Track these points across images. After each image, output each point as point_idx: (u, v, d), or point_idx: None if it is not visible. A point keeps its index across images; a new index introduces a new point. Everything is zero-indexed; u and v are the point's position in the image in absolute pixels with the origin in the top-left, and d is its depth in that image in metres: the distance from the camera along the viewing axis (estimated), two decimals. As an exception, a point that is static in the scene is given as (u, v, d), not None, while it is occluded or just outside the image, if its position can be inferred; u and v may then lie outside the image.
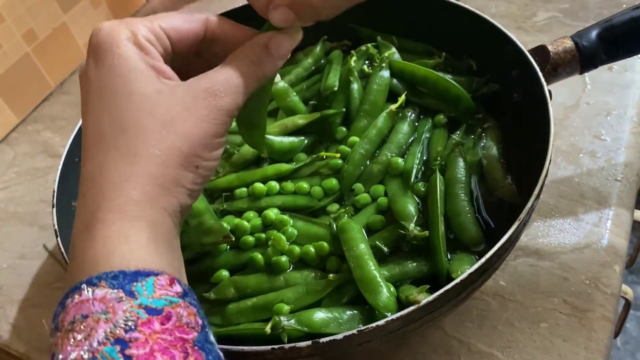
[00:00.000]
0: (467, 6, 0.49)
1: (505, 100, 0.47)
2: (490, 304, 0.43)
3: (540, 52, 0.44)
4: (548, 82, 0.43)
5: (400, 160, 0.45)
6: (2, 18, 0.62)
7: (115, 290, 0.24)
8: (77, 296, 0.24)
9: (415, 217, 0.41)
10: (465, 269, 0.33)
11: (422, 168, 0.46)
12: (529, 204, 0.35)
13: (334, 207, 0.45)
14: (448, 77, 0.48)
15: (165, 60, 0.30)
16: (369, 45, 0.53)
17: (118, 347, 0.22)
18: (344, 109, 0.50)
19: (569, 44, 0.44)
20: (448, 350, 0.41)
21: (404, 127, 0.48)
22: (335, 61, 0.54)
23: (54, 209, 0.43)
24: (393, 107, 0.48)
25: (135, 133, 0.27)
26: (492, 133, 0.46)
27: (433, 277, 0.39)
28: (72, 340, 0.23)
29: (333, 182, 0.45)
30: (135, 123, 0.27)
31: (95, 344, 0.22)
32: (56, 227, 0.42)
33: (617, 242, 0.46)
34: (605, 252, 0.45)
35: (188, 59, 0.33)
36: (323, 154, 0.47)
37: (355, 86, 0.50)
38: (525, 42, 0.45)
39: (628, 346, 1.17)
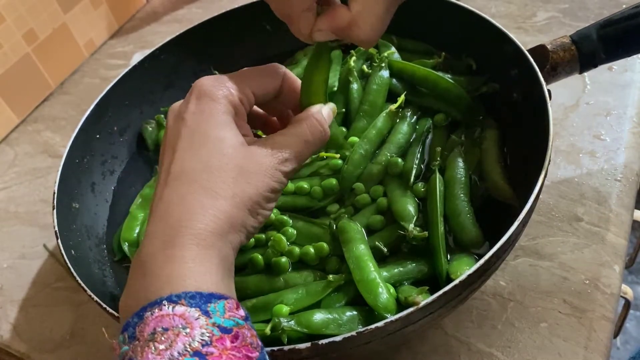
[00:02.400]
0: (466, 6, 0.49)
1: (505, 100, 0.47)
2: (490, 304, 0.43)
3: (539, 51, 0.44)
4: (547, 82, 0.43)
5: (400, 160, 0.45)
6: (2, 18, 0.62)
7: (194, 309, 0.26)
8: (157, 310, 0.26)
9: (414, 218, 0.41)
10: (464, 270, 0.33)
11: (422, 168, 0.46)
12: (528, 205, 0.35)
13: (334, 207, 0.45)
14: (448, 76, 0.48)
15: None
16: None
17: (196, 359, 0.25)
18: (344, 109, 0.50)
19: (569, 43, 0.44)
20: (448, 350, 0.41)
21: (404, 127, 0.48)
22: (334, 61, 0.54)
23: (55, 210, 0.43)
24: (392, 107, 0.48)
25: (218, 174, 0.31)
26: (492, 133, 0.46)
27: (433, 278, 0.39)
28: (153, 349, 0.25)
29: (333, 182, 0.45)
30: (219, 166, 0.31)
31: (176, 354, 0.25)
32: (56, 228, 0.42)
33: (617, 242, 0.46)
34: (605, 252, 0.45)
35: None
36: (323, 154, 0.47)
37: (354, 86, 0.50)
38: (525, 42, 0.45)
39: (628, 346, 1.17)
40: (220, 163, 0.31)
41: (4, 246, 0.56)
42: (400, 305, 0.36)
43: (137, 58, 0.67)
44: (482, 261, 0.33)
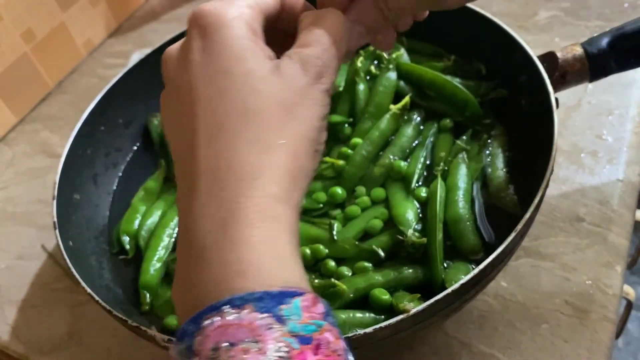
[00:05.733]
0: (478, 9, 0.49)
1: (513, 106, 0.47)
2: (491, 305, 0.43)
3: (549, 58, 0.44)
4: (556, 90, 0.42)
5: (403, 163, 0.45)
6: (0, 17, 0.62)
7: (265, 315, 0.21)
8: (217, 318, 0.21)
9: (414, 223, 0.41)
10: (459, 278, 0.33)
11: (425, 173, 0.45)
12: (527, 216, 0.34)
13: (335, 211, 0.44)
14: (456, 80, 0.48)
15: None
16: None
17: None
18: (351, 119, 0.49)
19: (579, 51, 0.43)
20: (449, 351, 0.41)
21: (409, 130, 0.47)
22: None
23: (55, 200, 0.43)
24: (395, 107, 0.47)
25: (261, 119, 0.25)
26: (498, 140, 0.46)
27: (429, 284, 0.39)
28: None
29: (338, 190, 0.44)
30: (259, 107, 0.25)
31: None
32: (55, 218, 0.42)
33: (619, 243, 0.45)
34: (607, 252, 0.45)
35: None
36: (327, 159, 0.46)
37: (361, 87, 0.50)
38: (526, 41, 0.45)
39: (630, 347, 1.16)
40: (260, 104, 0.25)
41: (2, 247, 0.55)
42: (393, 311, 0.36)
43: (136, 57, 0.66)
44: (476, 271, 0.32)
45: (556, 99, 0.41)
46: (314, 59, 0.27)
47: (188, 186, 0.25)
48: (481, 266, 0.32)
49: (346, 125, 0.49)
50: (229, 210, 0.23)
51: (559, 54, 0.43)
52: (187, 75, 0.27)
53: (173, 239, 0.46)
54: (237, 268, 0.22)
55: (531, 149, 0.42)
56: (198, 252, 0.23)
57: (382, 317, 0.37)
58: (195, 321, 0.21)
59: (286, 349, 0.20)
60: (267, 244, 0.23)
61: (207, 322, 0.21)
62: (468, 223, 0.40)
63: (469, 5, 0.50)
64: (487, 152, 0.45)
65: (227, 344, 0.20)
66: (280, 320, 0.21)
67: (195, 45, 0.26)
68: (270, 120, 0.25)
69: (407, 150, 0.46)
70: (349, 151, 0.46)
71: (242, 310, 0.21)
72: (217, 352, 0.20)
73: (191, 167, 0.25)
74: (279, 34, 0.31)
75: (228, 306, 0.21)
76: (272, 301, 0.21)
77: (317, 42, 0.28)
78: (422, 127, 0.48)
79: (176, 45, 0.28)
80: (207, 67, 0.26)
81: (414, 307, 0.32)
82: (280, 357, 0.20)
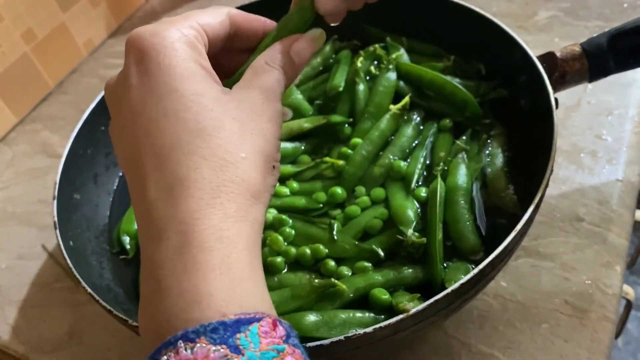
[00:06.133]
0: (478, 9, 0.49)
1: (512, 106, 0.47)
2: (491, 305, 0.43)
3: (548, 58, 0.44)
4: (555, 90, 0.42)
5: (402, 163, 0.45)
6: (0, 17, 0.62)
7: (218, 347, 0.20)
8: (172, 354, 0.20)
9: (414, 223, 0.41)
10: (459, 278, 0.33)
11: (424, 173, 0.45)
12: (527, 216, 0.34)
13: (335, 211, 0.44)
14: (456, 80, 0.48)
15: None
16: (377, 45, 0.53)
17: None
18: (351, 119, 0.49)
19: (579, 51, 0.43)
20: (449, 351, 0.41)
21: (409, 130, 0.47)
22: (342, 61, 0.53)
23: (55, 200, 0.43)
24: (395, 107, 0.47)
25: (216, 135, 0.24)
26: (498, 140, 0.46)
27: (429, 284, 0.39)
28: None
29: (338, 190, 0.45)
30: (212, 124, 0.24)
31: None
32: (56, 218, 0.42)
33: (618, 243, 0.45)
34: (606, 252, 0.45)
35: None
36: (327, 159, 0.46)
37: (361, 87, 0.50)
38: (526, 42, 0.45)
39: (629, 347, 1.16)
40: (213, 121, 0.25)
41: (2, 247, 0.56)
42: (393, 311, 0.36)
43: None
44: (475, 271, 0.32)
45: (556, 99, 0.41)
46: (264, 84, 0.28)
47: (145, 211, 0.24)
48: (481, 266, 0.32)
49: (346, 125, 0.49)
50: (185, 233, 0.23)
51: (558, 54, 0.43)
52: (128, 101, 0.26)
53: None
54: (192, 298, 0.21)
55: (531, 149, 0.42)
56: (156, 281, 0.23)
57: (382, 317, 0.37)
58: (154, 358, 0.21)
59: None
60: (223, 267, 0.22)
61: (164, 358, 0.20)
62: (468, 223, 0.40)
63: (469, 5, 0.50)
64: (487, 152, 0.45)
65: None
66: (237, 350, 0.20)
67: (134, 70, 0.26)
68: (227, 136, 0.25)
69: (407, 150, 0.46)
70: (349, 151, 0.46)
71: (196, 344, 0.20)
72: None
73: (144, 192, 0.25)
74: (233, 54, 0.32)
75: (181, 341, 0.20)
76: (227, 331, 0.20)
77: (264, 73, 0.28)
78: (421, 127, 0.48)
79: (115, 76, 0.28)
80: (149, 90, 0.25)
81: (414, 307, 0.32)
82: None
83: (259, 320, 0.21)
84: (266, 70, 0.28)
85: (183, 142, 0.24)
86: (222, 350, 0.20)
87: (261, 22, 0.32)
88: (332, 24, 0.32)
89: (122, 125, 0.27)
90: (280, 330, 0.22)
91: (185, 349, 0.20)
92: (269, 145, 0.26)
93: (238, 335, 0.20)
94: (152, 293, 0.23)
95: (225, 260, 0.22)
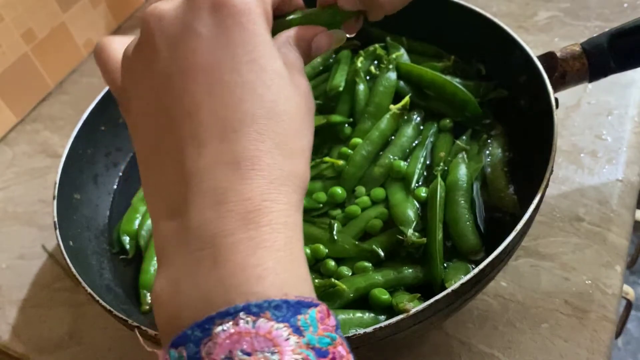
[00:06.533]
0: (478, 9, 0.49)
1: (512, 106, 0.47)
2: (491, 305, 0.43)
3: (548, 58, 0.44)
4: (556, 90, 0.42)
5: (402, 163, 0.45)
6: (0, 17, 0.62)
7: (282, 325, 0.19)
8: (230, 324, 0.19)
9: (414, 223, 0.41)
10: (459, 278, 0.33)
11: (424, 173, 0.45)
12: (527, 216, 0.34)
13: (335, 211, 0.44)
14: (456, 80, 0.48)
15: None
16: (377, 45, 0.53)
17: None
18: (351, 119, 0.49)
19: (578, 51, 0.43)
20: (449, 351, 0.41)
21: (409, 130, 0.47)
22: (342, 61, 0.53)
23: (55, 200, 0.43)
24: (395, 107, 0.47)
25: (287, 124, 0.23)
26: (498, 140, 0.46)
27: (429, 284, 0.39)
28: None
29: (338, 190, 0.44)
30: (287, 111, 0.23)
31: None
32: (56, 218, 0.42)
33: (619, 243, 0.45)
34: (606, 252, 0.45)
35: None
36: (327, 159, 0.46)
37: (361, 87, 0.50)
38: (526, 42, 0.45)
39: (629, 347, 1.16)
40: (288, 108, 0.24)
41: (3, 247, 0.56)
42: (393, 311, 0.36)
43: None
44: (476, 271, 0.32)
45: (556, 99, 0.41)
46: (295, 60, 0.27)
47: (181, 182, 0.23)
48: (481, 266, 0.32)
49: (346, 125, 0.49)
50: (252, 212, 0.22)
51: (558, 54, 0.43)
52: (194, 52, 0.23)
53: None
54: (257, 272, 0.21)
55: (531, 149, 0.42)
56: (209, 252, 0.21)
57: (382, 317, 0.37)
58: (203, 326, 0.20)
59: None
60: (286, 251, 0.22)
61: (219, 328, 0.19)
62: (468, 223, 0.40)
63: (469, 5, 0.50)
64: (487, 152, 0.45)
65: (242, 353, 0.19)
66: (298, 331, 0.20)
67: (208, 18, 0.23)
68: (294, 127, 0.24)
69: (407, 150, 0.46)
70: (349, 151, 0.46)
71: (259, 319, 0.19)
72: None
73: (189, 161, 0.23)
74: None
75: (243, 312, 0.20)
76: (290, 310, 0.20)
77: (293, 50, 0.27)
78: (422, 127, 0.48)
79: (171, 4, 0.24)
80: (225, 49, 0.23)
81: (414, 307, 0.32)
82: None
83: (316, 305, 0.21)
84: (287, 46, 0.27)
85: (257, 120, 0.23)
86: (284, 328, 0.19)
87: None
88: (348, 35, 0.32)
89: (164, 71, 0.24)
90: (332, 320, 0.21)
91: (247, 322, 0.19)
92: (312, 141, 0.26)
93: (299, 317, 0.20)
94: (195, 263, 0.21)
95: (289, 243, 0.22)
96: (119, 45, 0.28)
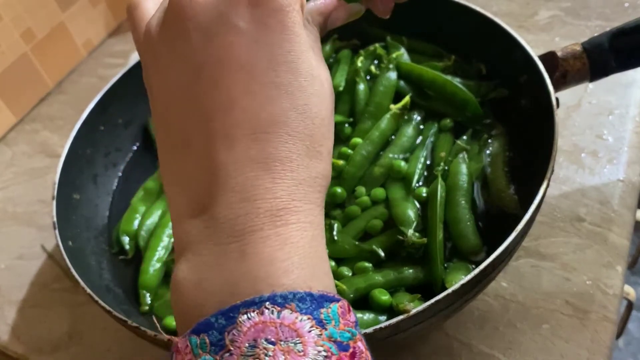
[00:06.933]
0: (478, 9, 0.49)
1: (513, 106, 0.47)
2: (491, 305, 0.43)
3: (549, 58, 0.44)
4: (557, 89, 0.42)
5: (403, 163, 0.45)
6: (0, 17, 0.62)
7: (305, 317, 0.20)
8: (256, 314, 0.20)
9: (414, 223, 0.40)
10: (459, 279, 0.33)
11: (425, 173, 0.45)
12: (527, 216, 0.34)
13: (335, 211, 0.44)
14: (457, 80, 0.48)
15: None
16: (377, 45, 0.52)
17: None
18: (351, 119, 0.49)
19: (579, 51, 0.43)
20: (449, 352, 0.41)
21: (409, 130, 0.47)
22: (343, 61, 0.53)
23: (54, 200, 0.43)
24: (395, 107, 0.47)
25: (319, 128, 0.24)
26: (498, 140, 0.46)
27: (430, 284, 0.38)
28: None
29: (338, 190, 0.44)
30: (318, 114, 0.24)
31: None
32: (55, 218, 0.42)
33: (619, 243, 0.45)
34: (607, 252, 0.45)
35: None
36: None
37: (361, 87, 0.50)
38: (527, 41, 0.45)
39: (630, 347, 1.16)
40: (319, 111, 0.24)
41: (2, 247, 0.55)
42: (393, 311, 0.36)
43: (136, 57, 0.66)
44: (476, 271, 0.32)
45: (556, 99, 0.41)
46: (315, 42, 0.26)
47: (209, 176, 0.23)
48: (481, 266, 0.32)
49: (346, 125, 0.49)
50: (281, 210, 0.22)
51: (559, 54, 0.43)
52: (230, 46, 0.23)
53: (173, 239, 0.46)
54: (283, 266, 0.21)
55: (531, 149, 0.42)
56: (237, 246, 0.22)
57: (383, 317, 0.37)
58: (228, 314, 0.20)
59: (325, 354, 0.19)
60: (312, 248, 0.22)
61: (244, 317, 0.20)
62: (468, 223, 0.40)
63: (470, 4, 0.50)
64: (487, 152, 0.45)
65: (266, 342, 0.19)
66: (321, 323, 0.20)
67: (247, 12, 0.23)
68: (324, 131, 0.24)
69: (408, 150, 0.46)
70: (349, 151, 0.46)
71: (284, 309, 0.20)
72: (254, 350, 0.19)
73: (219, 155, 0.23)
74: None
75: (269, 302, 0.20)
76: (313, 303, 0.20)
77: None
78: (422, 127, 0.48)
79: None
80: (263, 47, 0.23)
81: (414, 307, 0.32)
82: None
83: (337, 300, 0.21)
84: (307, 25, 0.26)
85: (289, 122, 0.23)
86: (307, 320, 0.20)
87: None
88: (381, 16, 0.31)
89: (196, 60, 0.23)
90: (352, 316, 0.22)
91: (272, 312, 0.20)
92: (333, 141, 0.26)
93: (322, 310, 0.20)
94: (222, 254, 0.22)
95: (314, 240, 0.23)
96: (152, 4, 0.27)
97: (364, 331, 0.30)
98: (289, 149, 0.23)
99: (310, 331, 0.20)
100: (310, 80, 0.24)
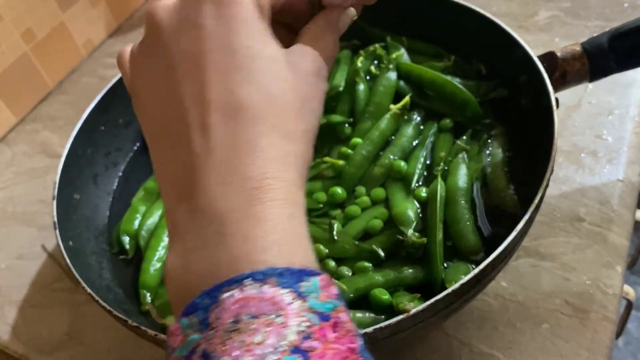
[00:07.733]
0: (478, 9, 0.49)
1: (513, 106, 0.47)
2: (491, 305, 0.43)
3: (549, 58, 0.44)
4: (556, 89, 0.42)
5: (402, 163, 0.45)
6: (0, 17, 0.62)
7: (286, 291, 0.20)
8: (237, 291, 0.20)
9: (414, 223, 0.41)
10: (459, 278, 0.33)
11: (425, 173, 0.45)
12: (527, 216, 0.34)
13: (335, 211, 0.44)
14: (456, 80, 0.48)
15: None
16: (377, 45, 0.52)
17: (300, 358, 0.19)
18: (351, 119, 0.49)
19: (579, 51, 0.43)
20: (449, 352, 0.41)
21: (409, 130, 0.47)
22: (342, 61, 0.53)
23: (55, 200, 0.43)
24: (395, 107, 0.47)
25: (284, 108, 0.25)
26: (498, 140, 0.46)
27: (429, 284, 0.39)
28: (238, 342, 0.19)
29: (338, 190, 0.44)
30: (283, 94, 0.25)
31: (269, 350, 0.19)
32: (55, 218, 0.42)
33: (619, 243, 0.45)
34: (607, 252, 0.45)
35: None
36: (327, 159, 0.46)
37: (361, 87, 0.50)
38: (526, 41, 0.45)
39: (630, 347, 1.16)
40: (284, 92, 0.25)
41: (2, 247, 0.55)
42: (393, 311, 0.36)
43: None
44: (476, 271, 0.32)
45: (556, 99, 0.41)
46: (324, 57, 0.27)
47: (189, 165, 0.24)
48: (481, 266, 0.32)
49: (346, 125, 0.49)
50: (255, 189, 0.23)
51: (559, 54, 0.43)
52: (196, 42, 0.25)
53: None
54: (261, 244, 0.22)
55: (531, 149, 0.42)
56: (216, 228, 0.23)
57: (382, 317, 0.37)
58: (211, 294, 0.21)
59: (307, 324, 0.20)
60: (291, 223, 0.23)
61: (226, 294, 0.20)
62: (468, 223, 0.40)
63: (469, 5, 0.50)
64: (487, 152, 0.45)
65: (248, 316, 0.20)
66: (301, 296, 0.21)
67: (209, 9, 0.25)
68: (293, 111, 0.25)
69: (407, 150, 0.46)
70: (349, 151, 0.46)
71: (264, 285, 0.20)
72: (237, 325, 0.20)
73: (194, 145, 0.24)
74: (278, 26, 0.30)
75: (250, 279, 0.21)
76: (292, 277, 0.21)
77: (324, 43, 0.28)
78: (422, 127, 0.48)
79: (172, 1, 0.26)
80: (224, 39, 0.24)
81: (414, 307, 0.32)
82: (301, 331, 0.20)
83: (318, 274, 0.22)
84: (326, 34, 0.28)
85: (254, 104, 0.24)
86: (288, 293, 0.20)
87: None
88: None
89: (173, 64, 0.25)
90: (334, 289, 0.22)
91: (253, 288, 0.20)
92: (317, 124, 0.27)
93: (302, 284, 0.21)
94: (204, 238, 0.23)
95: (293, 216, 0.23)
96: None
97: (363, 331, 0.30)
98: (256, 129, 0.24)
99: (290, 303, 0.20)
100: (271, 63, 0.25)
